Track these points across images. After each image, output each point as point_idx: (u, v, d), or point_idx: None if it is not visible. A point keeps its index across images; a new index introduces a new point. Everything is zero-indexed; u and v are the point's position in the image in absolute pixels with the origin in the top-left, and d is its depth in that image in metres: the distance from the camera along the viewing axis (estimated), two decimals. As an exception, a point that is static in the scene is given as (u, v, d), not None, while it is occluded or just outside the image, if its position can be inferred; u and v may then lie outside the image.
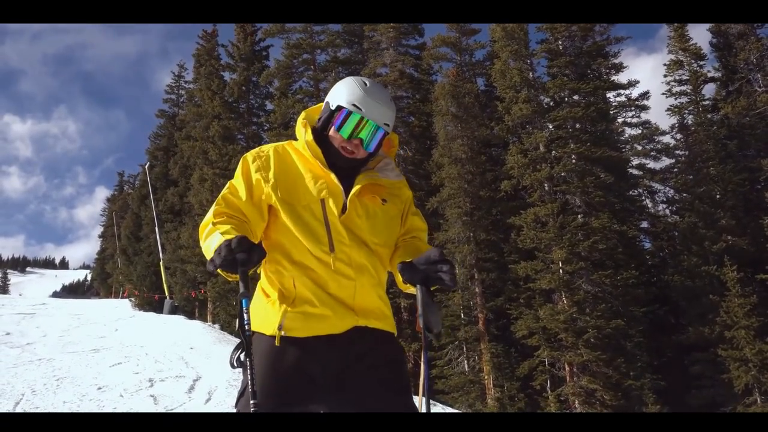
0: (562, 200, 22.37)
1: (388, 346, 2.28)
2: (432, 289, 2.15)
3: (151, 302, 29.23)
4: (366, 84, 2.28)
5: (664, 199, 27.83)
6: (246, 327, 1.99)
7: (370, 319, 2.22)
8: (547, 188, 22.54)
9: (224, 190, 2.32)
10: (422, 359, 2.28)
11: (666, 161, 27.43)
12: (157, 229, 27.15)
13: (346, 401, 2.15)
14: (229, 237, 1.99)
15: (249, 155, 2.37)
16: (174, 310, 22.33)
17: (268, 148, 2.37)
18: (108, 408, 6.66)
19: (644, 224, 27.29)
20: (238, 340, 2.14)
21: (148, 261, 35.83)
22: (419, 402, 3.88)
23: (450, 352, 22.34)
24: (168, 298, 23.21)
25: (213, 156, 30.68)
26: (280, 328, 2.14)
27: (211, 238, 2.10)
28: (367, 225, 2.24)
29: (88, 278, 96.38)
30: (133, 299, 31.46)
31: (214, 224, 2.16)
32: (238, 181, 2.32)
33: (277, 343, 2.13)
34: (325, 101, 2.36)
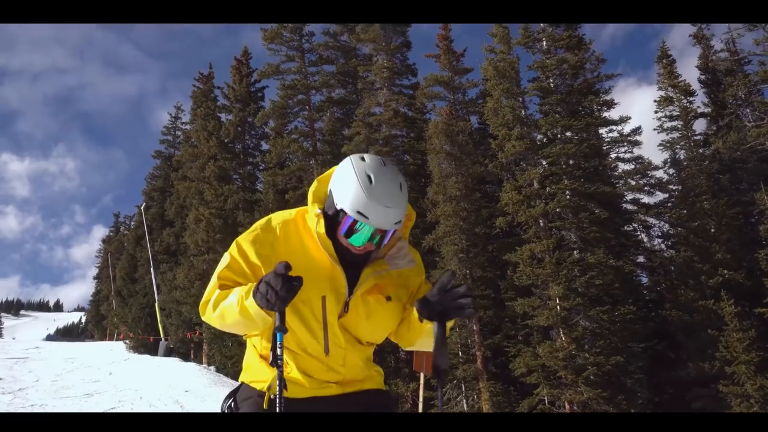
0: (557, 236, 22.42)
1: (375, 397, 2.31)
2: (449, 324, 2.02)
3: (146, 344, 28.93)
4: (371, 182, 2.02)
5: (660, 234, 27.92)
6: (279, 362, 2.00)
7: (356, 386, 2.27)
8: (542, 224, 22.61)
9: (223, 267, 2.17)
10: (437, 396, 2.33)
11: (660, 196, 27.63)
12: (152, 269, 27.04)
13: None
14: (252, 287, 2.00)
15: (258, 225, 2.22)
16: (169, 352, 22.08)
17: (278, 224, 2.20)
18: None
19: (640, 259, 27.31)
20: (234, 383, 2.19)
21: (143, 302, 35.57)
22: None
23: (449, 391, 22.07)
24: (163, 339, 22.98)
25: (209, 196, 30.77)
26: (269, 389, 2.18)
27: (234, 294, 2.06)
28: (367, 325, 2.17)
29: (83, 320, 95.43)
30: (127, 341, 31.11)
31: (222, 288, 2.16)
32: (238, 255, 2.16)
33: (265, 405, 2.15)
34: (330, 188, 2.16)
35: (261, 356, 2.27)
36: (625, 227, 26.29)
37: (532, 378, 20.34)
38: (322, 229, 2.11)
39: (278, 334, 1.99)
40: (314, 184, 2.26)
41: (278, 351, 2.00)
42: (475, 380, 21.96)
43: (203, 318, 2.22)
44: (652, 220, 27.66)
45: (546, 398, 20.19)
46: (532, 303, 21.16)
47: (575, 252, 21.86)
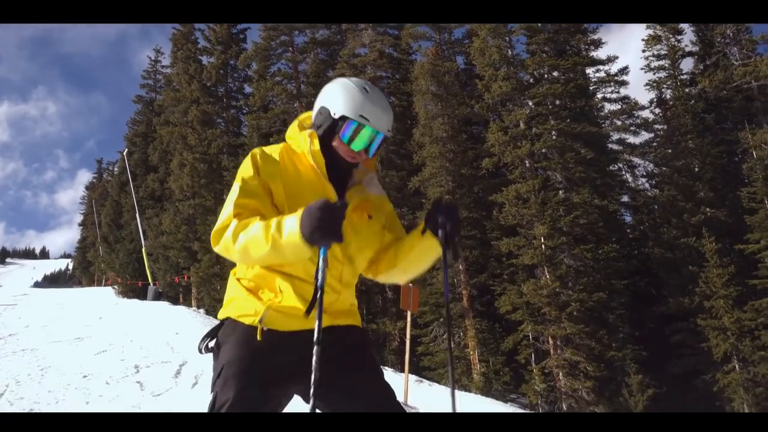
0: (543, 176, 22.50)
1: (355, 333, 2.32)
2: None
3: (134, 289, 29.04)
4: (367, 90, 2.19)
5: (644, 173, 28.13)
6: (320, 293, 1.99)
7: (341, 319, 2.27)
8: (528, 165, 22.64)
9: (237, 194, 2.12)
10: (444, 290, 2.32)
11: (645, 135, 27.67)
12: (137, 215, 26.92)
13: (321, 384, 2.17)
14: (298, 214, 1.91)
15: (257, 150, 2.23)
16: (158, 297, 22.25)
17: (270, 150, 2.25)
18: (94, 395, 6.65)
19: (624, 198, 27.60)
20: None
21: (129, 248, 35.55)
22: (405, 374, 3.94)
23: (435, 329, 22.51)
24: (151, 284, 23.10)
25: (192, 141, 30.39)
26: (261, 321, 2.12)
27: (258, 227, 1.97)
28: (356, 241, 2.23)
29: (70, 267, 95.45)
30: (116, 287, 31.23)
31: (239, 218, 2.05)
32: (249, 175, 2.16)
33: (258, 336, 2.11)
34: (320, 105, 2.26)
35: (248, 289, 2.21)
36: (611, 167, 26.41)
37: (516, 315, 20.78)
38: (317, 146, 2.20)
39: (322, 268, 1.98)
40: (296, 121, 2.36)
41: (320, 278, 1.98)
42: (462, 318, 22.40)
43: (216, 248, 2.08)
44: (636, 160, 27.83)
45: (530, 334, 20.70)
46: (518, 242, 21.41)
47: (560, 192, 21.99)
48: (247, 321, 2.15)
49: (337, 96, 2.20)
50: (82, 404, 6.29)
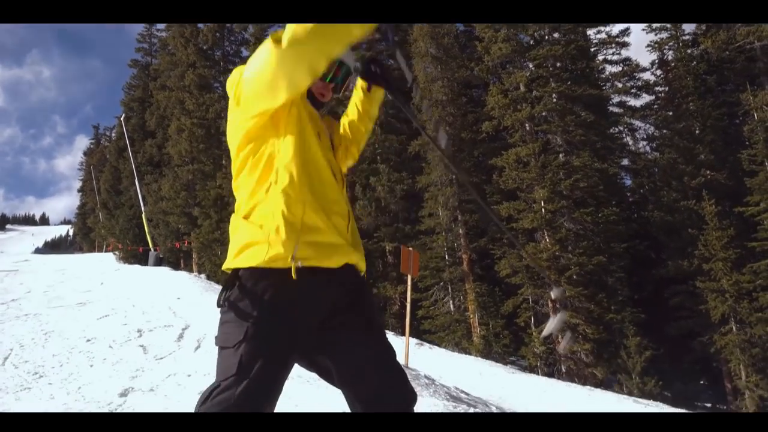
0: (543, 140, 22.36)
1: (367, 289, 2.25)
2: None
3: (135, 255, 29.17)
4: None
5: (645, 136, 27.99)
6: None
7: (358, 255, 2.17)
8: (528, 128, 22.48)
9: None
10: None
11: (646, 98, 27.44)
12: (136, 181, 26.81)
13: (331, 342, 2.14)
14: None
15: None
16: (159, 262, 22.33)
17: None
18: (98, 359, 6.71)
19: (625, 161, 27.49)
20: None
21: (129, 214, 35.55)
22: (406, 336, 3.97)
23: (436, 292, 22.69)
24: (152, 250, 23.16)
25: (190, 106, 30.12)
26: (293, 259, 1.94)
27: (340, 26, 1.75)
28: (335, 162, 2.29)
29: (71, 234, 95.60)
30: (117, 253, 31.35)
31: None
32: None
33: (293, 275, 1.93)
34: None
35: (256, 225, 2.00)
36: (611, 130, 26.24)
37: (516, 279, 20.90)
38: None
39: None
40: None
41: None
42: (462, 282, 22.54)
43: (285, 40, 1.75)
44: (637, 123, 27.65)
45: (530, 297, 20.85)
46: (518, 206, 21.40)
47: (561, 155, 21.88)
48: (276, 265, 1.96)
49: None
50: (87, 367, 6.35)
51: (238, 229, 2.09)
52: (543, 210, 20.90)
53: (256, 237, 2.00)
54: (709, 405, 20.65)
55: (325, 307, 2.08)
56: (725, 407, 19.56)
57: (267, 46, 1.82)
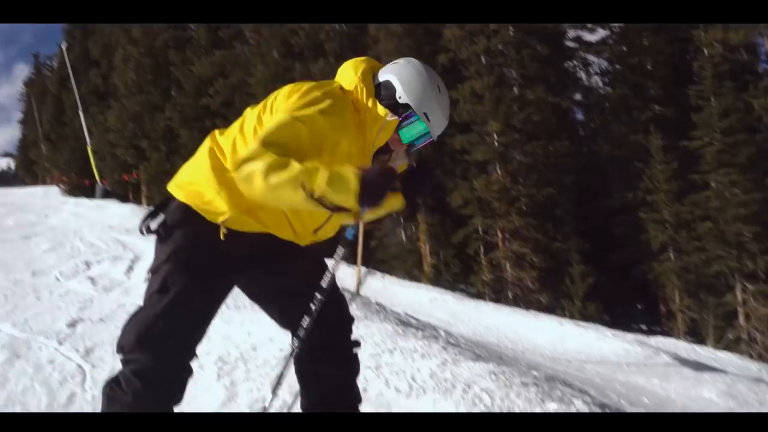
0: (498, 73, 22.30)
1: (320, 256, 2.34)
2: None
3: (81, 188, 28.33)
4: (440, 90, 2.16)
5: (598, 71, 28.13)
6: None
7: (307, 242, 2.24)
8: (484, 61, 22.33)
9: (285, 135, 1.91)
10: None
11: (602, 33, 27.44)
12: (81, 112, 25.72)
13: (272, 272, 2.18)
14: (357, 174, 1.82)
15: (331, 104, 2.01)
16: (106, 195, 21.73)
17: (342, 104, 2.07)
18: (44, 292, 6.62)
19: (578, 96, 27.72)
20: None
21: (74, 146, 34.25)
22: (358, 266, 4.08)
23: (388, 223, 22.91)
24: (99, 182, 22.53)
25: (136, 34, 28.79)
26: (223, 223, 2.00)
27: (300, 173, 1.81)
28: None
29: (12, 167, 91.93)
30: (62, 186, 30.42)
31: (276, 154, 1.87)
32: (306, 130, 1.95)
33: (221, 236, 2.00)
34: (388, 78, 2.14)
35: (221, 185, 2.02)
36: (565, 64, 26.29)
37: (468, 209, 21.27)
38: (394, 125, 2.12)
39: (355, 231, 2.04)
40: (360, 65, 2.22)
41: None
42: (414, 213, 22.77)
43: (236, 174, 1.89)
44: (591, 57, 27.71)
45: (480, 227, 21.30)
46: (471, 139, 21.53)
47: (515, 89, 21.93)
48: (208, 216, 2.02)
49: (410, 80, 2.12)
50: (33, 300, 6.28)
51: (199, 163, 2.12)
52: (496, 143, 21.08)
53: (206, 183, 2.04)
54: (644, 327, 21.81)
55: (259, 253, 2.12)
56: (659, 329, 20.72)
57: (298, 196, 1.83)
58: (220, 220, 2.00)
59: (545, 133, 21.34)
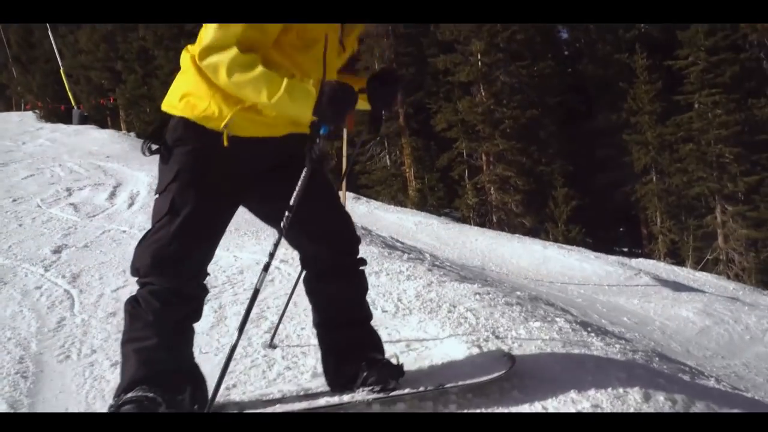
0: (482, -11, 21.65)
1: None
2: None
3: (57, 113, 27.61)
4: None
5: (584, -13, 27.43)
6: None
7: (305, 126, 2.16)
8: (467, -24, 21.63)
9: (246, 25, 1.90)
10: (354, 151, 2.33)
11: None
12: (50, 33, 24.72)
13: (274, 191, 2.16)
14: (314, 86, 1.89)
15: None
16: (84, 120, 21.27)
17: None
18: (27, 219, 6.56)
19: (563, 13, 27.13)
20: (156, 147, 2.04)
21: (46, 69, 33.10)
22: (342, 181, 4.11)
23: (372, 148, 22.77)
24: (75, 107, 21.98)
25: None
26: (226, 126, 1.98)
27: (264, 76, 1.85)
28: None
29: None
30: (37, 111, 29.60)
31: (241, 50, 1.87)
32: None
33: (225, 142, 1.99)
34: None
35: (212, 84, 1.97)
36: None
37: (452, 132, 21.14)
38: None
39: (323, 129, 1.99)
40: None
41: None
42: (398, 136, 22.62)
43: (203, 63, 1.91)
44: (578, -27, 26.97)
45: (464, 151, 21.27)
46: (454, 59, 21.14)
47: (499, 6, 21.35)
48: (208, 124, 2.00)
49: None
50: (16, 227, 6.23)
51: (185, 72, 2.08)
52: (479, 63, 20.73)
53: (196, 88, 2.02)
54: (626, 249, 22.28)
55: (263, 165, 2.12)
56: (640, 251, 21.19)
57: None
58: (221, 125, 1.98)
59: (530, 53, 20.99)
